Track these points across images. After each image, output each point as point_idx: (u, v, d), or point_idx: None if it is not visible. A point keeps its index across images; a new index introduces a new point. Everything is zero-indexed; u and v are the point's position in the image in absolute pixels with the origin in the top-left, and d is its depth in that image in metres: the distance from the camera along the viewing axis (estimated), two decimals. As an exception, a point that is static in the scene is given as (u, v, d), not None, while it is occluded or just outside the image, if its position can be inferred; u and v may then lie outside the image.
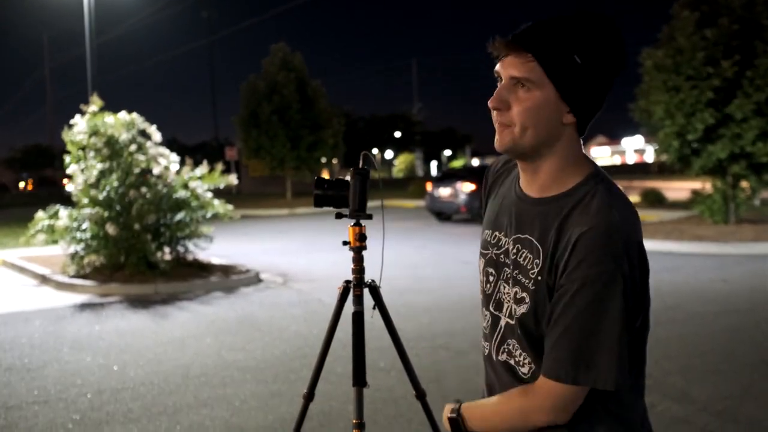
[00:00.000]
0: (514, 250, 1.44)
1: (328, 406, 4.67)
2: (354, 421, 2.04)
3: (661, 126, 14.58)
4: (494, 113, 1.38)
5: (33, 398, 5.09)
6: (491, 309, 1.52)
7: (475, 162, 74.54)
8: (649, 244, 7.42)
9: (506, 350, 1.48)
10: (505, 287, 1.47)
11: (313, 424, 4.36)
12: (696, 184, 16.66)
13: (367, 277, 2.15)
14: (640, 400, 1.45)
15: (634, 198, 24.47)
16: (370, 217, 2.03)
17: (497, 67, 1.38)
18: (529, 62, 1.31)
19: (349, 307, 2.17)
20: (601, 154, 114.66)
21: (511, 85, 1.35)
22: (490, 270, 1.53)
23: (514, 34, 1.33)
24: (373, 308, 2.15)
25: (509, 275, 1.45)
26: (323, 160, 31.68)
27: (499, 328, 1.49)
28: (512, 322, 1.45)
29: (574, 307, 1.29)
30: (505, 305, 1.47)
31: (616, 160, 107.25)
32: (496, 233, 1.52)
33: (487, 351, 1.55)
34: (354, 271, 2.07)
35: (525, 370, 1.43)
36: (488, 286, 1.54)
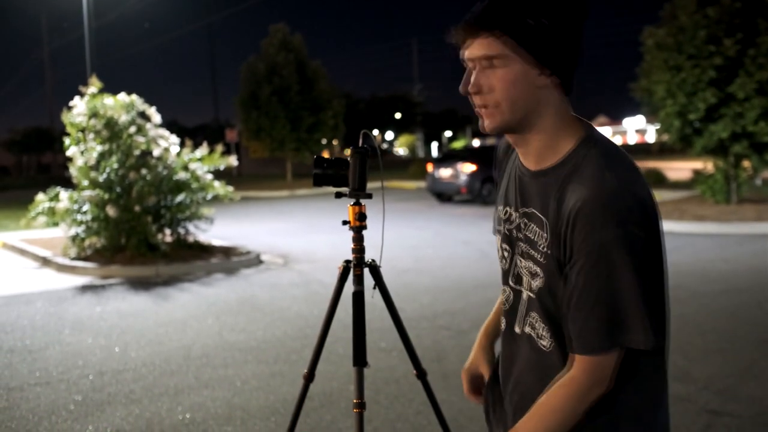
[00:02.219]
0: (523, 225, 1.45)
1: (329, 386, 4.68)
2: (354, 401, 2.03)
3: (662, 105, 14.53)
4: (475, 98, 1.37)
5: (35, 380, 5.10)
6: (511, 283, 1.52)
7: (476, 143, 74.26)
8: (650, 224, 7.08)
9: (529, 323, 1.47)
10: (521, 261, 1.47)
11: (314, 405, 4.38)
12: (697, 164, 16.62)
13: (368, 257, 2.13)
14: (665, 366, 1.42)
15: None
16: (369, 196, 2.01)
17: (464, 54, 1.36)
18: (499, 38, 1.30)
19: (349, 287, 2.16)
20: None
21: (485, 66, 1.34)
22: (505, 246, 1.54)
23: (475, 16, 1.32)
24: (374, 288, 2.13)
25: (523, 250, 1.46)
26: (323, 141, 31.60)
27: (521, 301, 1.49)
28: (533, 296, 1.44)
29: (589, 282, 1.28)
30: (524, 279, 1.47)
31: (617, 141, 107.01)
32: (507, 209, 1.52)
33: (505, 326, 1.55)
34: (354, 251, 2.06)
35: (545, 343, 1.43)
36: (504, 262, 1.55)
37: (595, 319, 1.29)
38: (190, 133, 60.74)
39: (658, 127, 15.99)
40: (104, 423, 4.25)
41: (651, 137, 70.19)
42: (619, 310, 1.27)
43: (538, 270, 1.40)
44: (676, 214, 13.61)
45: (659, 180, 22.65)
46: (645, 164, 29.97)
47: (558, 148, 1.37)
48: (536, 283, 1.41)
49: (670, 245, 10.28)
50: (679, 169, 26.47)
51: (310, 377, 2.28)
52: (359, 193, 1.97)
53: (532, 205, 1.41)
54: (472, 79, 1.35)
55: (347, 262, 2.12)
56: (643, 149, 60.13)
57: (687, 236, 11.65)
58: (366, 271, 2.11)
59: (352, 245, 2.06)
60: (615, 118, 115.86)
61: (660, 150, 49.45)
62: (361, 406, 2.01)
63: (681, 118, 14.20)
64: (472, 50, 1.34)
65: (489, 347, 1.72)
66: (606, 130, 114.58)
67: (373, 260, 2.11)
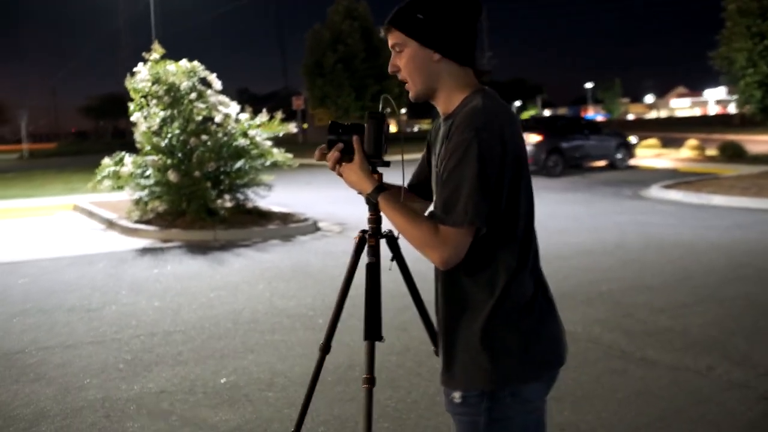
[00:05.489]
0: (435, 157, 1.89)
1: (348, 360, 4.57)
2: (365, 376, 1.96)
3: (742, 75, 13.81)
4: (398, 76, 1.85)
5: (90, 338, 5.25)
6: None
7: (546, 113, 72.63)
8: (722, 200, 7.10)
9: None
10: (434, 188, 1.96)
11: (335, 377, 4.34)
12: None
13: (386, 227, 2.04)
14: (500, 253, 1.74)
15: (711, 151, 23.44)
16: (387, 164, 1.91)
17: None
18: (395, 32, 1.82)
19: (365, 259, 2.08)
20: (681, 105, 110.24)
21: (394, 53, 1.84)
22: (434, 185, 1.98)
23: (386, 20, 1.84)
24: (392, 260, 2.04)
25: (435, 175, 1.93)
26: (387, 110, 31.45)
27: None
28: None
29: (447, 170, 1.68)
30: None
31: (696, 112, 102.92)
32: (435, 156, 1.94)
33: None
34: (370, 221, 1.97)
35: None
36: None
37: (441, 200, 1.69)
38: (260, 101, 61.55)
39: (737, 98, 15.24)
40: (150, 383, 4.33)
41: (733, 109, 67.16)
42: (458, 193, 1.65)
43: (434, 187, 1.83)
44: (754, 189, 12.94)
45: (738, 153, 21.59)
46: (724, 137, 28.69)
47: (455, 99, 1.81)
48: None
49: (741, 221, 9.71)
50: (761, 142, 25.24)
51: (326, 349, 2.23)
52: (375, 160, 1.87)
53: (439, 141, 1.82)
54: (390, 61, 1.86)
55: (363, 232, 2.04)
56: (723, 121, 57.66)
57: (762, 213, 11.07)
58: (383, 242, 2.03)
59: (368, 214, 1.97)
60: (695, 89, 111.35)
61: (741, 122, 47.29)
62: (370, 381, 1.94)
63: (763, 88, 13.47)
64: (389, 41, 1.84)
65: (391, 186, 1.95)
66: (685, 102, 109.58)
67: (391, 230, 2.02)
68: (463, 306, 1.77)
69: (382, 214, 1.85)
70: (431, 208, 1.83)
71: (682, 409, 3.86)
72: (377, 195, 1.82)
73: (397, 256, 2.05)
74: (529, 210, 1.81)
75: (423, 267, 1.96)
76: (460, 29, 1.79)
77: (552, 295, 1.88)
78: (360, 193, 1.88)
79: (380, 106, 1.97)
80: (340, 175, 1.91)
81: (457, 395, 1.77)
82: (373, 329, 1.95)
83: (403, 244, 2.05)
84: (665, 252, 8.10)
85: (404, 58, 1.81)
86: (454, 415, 1.81)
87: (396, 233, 1.96)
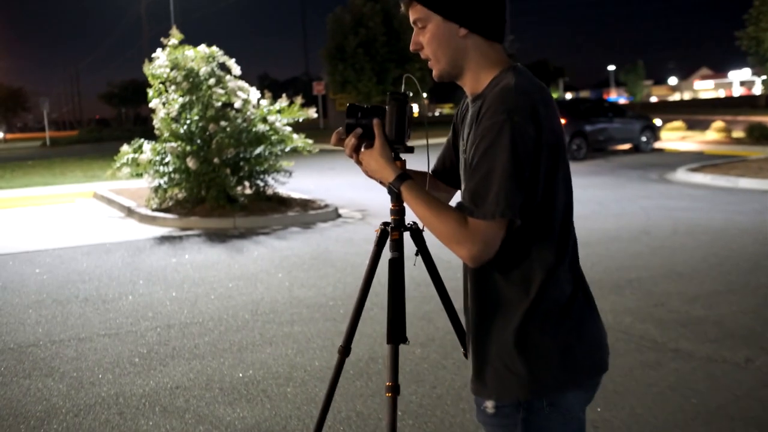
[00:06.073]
0: (461, 145, 1.74)
1: (369, 352, 4.44)
2: (388, 384, 1.78)
3: (772, 54, 13.40)
4: (421, 54, 1.70)
5: (105, 330, 5.14)
6: None
7: (568, 96, 71.75)
8: (750, 183, 6.75)
9: None
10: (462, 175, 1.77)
11: (363, 381, 4.18)
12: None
13: (410, 219, 1.86)
14: (536, 248, 1.58)
15: (738, 133, 22.92)
16: (410, 150, 1.72)
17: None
18: (416, 6, 1.65)
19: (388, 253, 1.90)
20: (705, 87, 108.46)
21: (416, 29, 1.68)
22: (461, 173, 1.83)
23: None
24: (416, 254, 1.87)
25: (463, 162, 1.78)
26: (410, 94, 31.21)
27: None
28: None
29: (475, 156, 1.53)
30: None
31: (721, 94, 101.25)
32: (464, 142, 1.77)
33: None
34: (392, 212, 1.79)
35: None
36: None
37: (469, 190, 1.53)
38: (281, 87, 61.53)
39: (765, 78, 14.82)
40: (165, 378, 4.21)
41: (758, 90, 65.85)
42: (488, 182, 1.49)
43: (462, 174, 1.68)
44: (783, 172, 12.57)
45: (765, 135, 21.06)
46: (749, 119, 28.07)
47: (484, 78, 1.64)
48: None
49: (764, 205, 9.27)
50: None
51: (345, 351, 2.06)
52: (397, 146, 1.69)
53: (467, 125, 1.67)
54: (412, 38, 1.70)
55: (385, 224, 1.86)
56: (748, 102, 56.49)
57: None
58: (407, 234, 1.85)
59: (390, 205, 1.79)
60: (719, 71, 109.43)
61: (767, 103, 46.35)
62: (394, 389, 1.76)
63: (793, 67, 13.06)
64: (410, 17, 1.68)
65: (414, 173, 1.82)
66: (708, 83, 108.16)
67: (416, 222, 1.84)
68: (495, 307, 1.60)
69: (405, 204, 1.67)
70: (458, 197, 1.65)
71: (722, 405, 3.66)
72: (400, 184, 1.64)
73: (423, 250, 1.86)
74: (568, 199, 1.63)
75: (452, 260, 1.79)
76: (486, 1, 1.63)
77: (591, 293, 1.70)
78: (381, 182, 1.70)
79: (402, 87, 1.78)
80: (359, 163, 1.73)
81: (489, 405, 1.61)
82: (397, 331, 1.77)
83: (429, 237, 1.88)
84: (694, 237, 7.85)
85: (427, 34, 1.65)
86: (485, 426, 1.65)
87: (421, 226, 1.77)
